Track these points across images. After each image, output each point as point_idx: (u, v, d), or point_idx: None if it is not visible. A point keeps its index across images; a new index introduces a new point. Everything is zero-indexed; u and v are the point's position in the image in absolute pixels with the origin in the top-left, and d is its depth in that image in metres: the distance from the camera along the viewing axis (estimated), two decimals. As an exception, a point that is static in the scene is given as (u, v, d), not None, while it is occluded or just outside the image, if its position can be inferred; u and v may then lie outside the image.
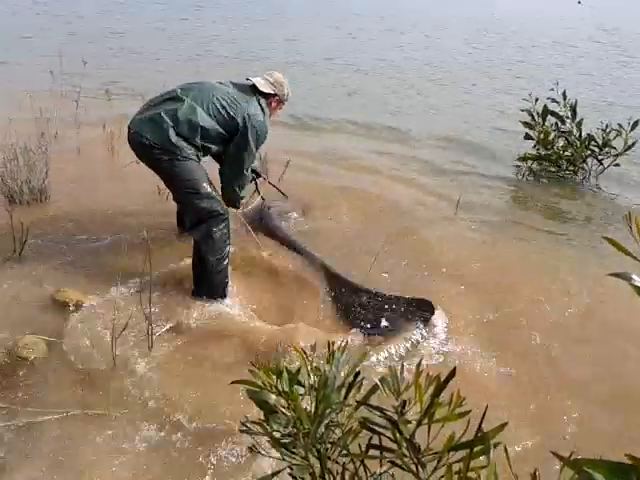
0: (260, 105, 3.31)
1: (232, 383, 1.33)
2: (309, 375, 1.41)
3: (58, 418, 2.32)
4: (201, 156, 3.25)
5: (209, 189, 3.17)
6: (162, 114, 3.06)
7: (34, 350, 2.67)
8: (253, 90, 3.36)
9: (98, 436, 2.27)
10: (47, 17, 13.41)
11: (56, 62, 8.09)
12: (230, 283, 3.28)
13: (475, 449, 1.18)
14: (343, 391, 1.39)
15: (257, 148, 3.33)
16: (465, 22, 19.65)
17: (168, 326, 2.91)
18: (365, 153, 6.12)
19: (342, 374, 1.41)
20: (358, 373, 1.42)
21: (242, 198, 3.55)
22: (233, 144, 3.23)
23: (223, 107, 3.17)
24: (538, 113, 5.65)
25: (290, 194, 4.37)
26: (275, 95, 3.44)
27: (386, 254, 3.69)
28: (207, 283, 3.20)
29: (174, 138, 3.04)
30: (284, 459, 1.31)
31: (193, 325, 2.98)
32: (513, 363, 2.89)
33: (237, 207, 3.57)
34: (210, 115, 3.13)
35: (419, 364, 1.27)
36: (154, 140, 3.04)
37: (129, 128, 3.18)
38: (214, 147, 3.27)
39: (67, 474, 2.10)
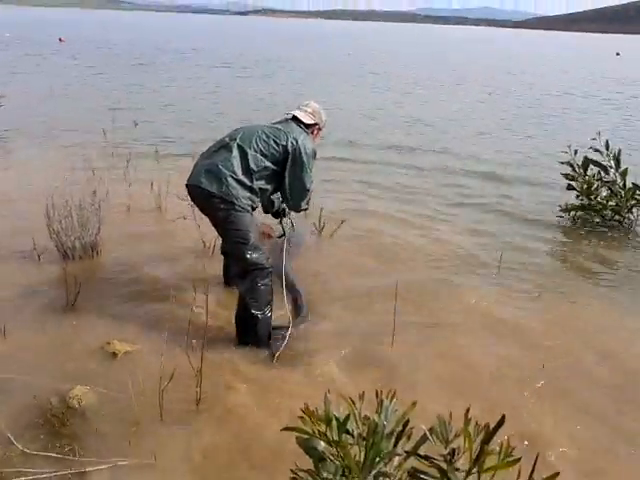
0: (304, 131, 3.52)
1: (282, 430, 1.34)
2: (357, 424, 1.42)
3: (106, 468, 2.35)
4: (257, 202, 3.40)
5: (257, 242, 3.29)
6: (219, 165, 3.23)
7: (84, 400, 2.72)
8: (296, 122, 3.57)
9: (145, 486, 2.29)
10: (102, 84, 14.16)
11: (109, 124, 8.57)
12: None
13: (528, 499, 1.16)
14: (392, 440, 1.39)
15: (311, 167, 3.45)
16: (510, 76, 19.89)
17: (216, 380, 2.94)
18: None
19: (391, 423, 1.41)
20: (407, 422, 1.42)
21: (300, 210, 3.71)
22: (289, 169, 3.36)
23: (269, 139, 3.34)
24: (578, 164, 5.64)
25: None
26: (316, 124, 3.66)
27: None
28: (252, 334, 3.26)
29: (233, 187, 3.20)
30: (333, 508, 1.31)
31: (240, 378, 3.01)
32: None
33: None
34: (258, 153, 3.30)
35: (467, 411, 1.27)
36: (214, 190, 3.19)
37: (188, 182, 3.35)
38: (269, 187, 3.41)
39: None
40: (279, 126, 3.49)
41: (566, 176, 5.77)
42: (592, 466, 2.53)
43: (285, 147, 3.35)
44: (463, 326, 3.68)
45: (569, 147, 5.61)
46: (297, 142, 3.37)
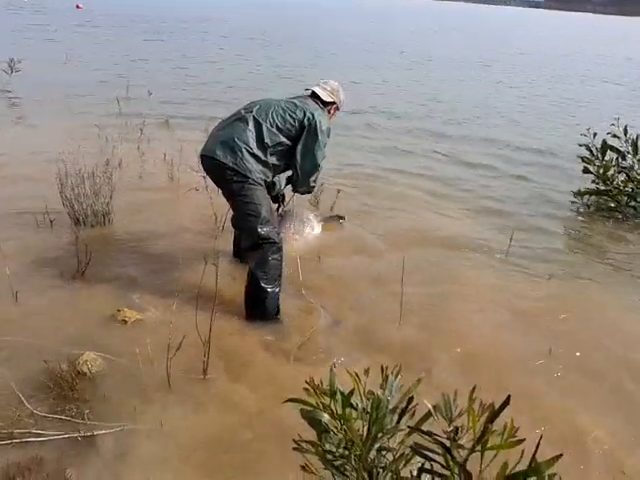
0: (320, 107, 3.50)
1: (286, 401, 1.36)
2: (362, 398, 1.43)
3: (114, 432, 2.39)
4: (270, 177, 3.40)
5: (269, 217, 3.29)
6: (234, 137, 3.21)
7: (93, 366, 2.77)
8: (313, 98, 3.56)
9: (150, 449, 2.33)
10: (116, 55, 14.09)
11: (123, 93, 8.55)
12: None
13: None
14: (396, 416, 1.40)
15: (325, 144, 3.43)
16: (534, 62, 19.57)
17: (223, 350, 2.97)
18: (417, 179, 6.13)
19: (395, 399, 1.42)
20: (411, 399, 1.42)
21: (308, 188, 3.68)
22: (302, 141, 3.34)
23: (285, 113, 3.33)
24: (597, 148, 5.56)
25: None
26: (333, 103, 3.64)
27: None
28: (260, 308, 3.29)
29: (247, 160, 3.20)
30: (334, 479, 1.33)
31: (247, 351, 3.04)
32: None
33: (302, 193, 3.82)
34: (274, 127, 3.29)
35: (472, 390, 1.28)
36: (228, 162, 3.18)
37: (202, 153, 3.33)
38: (281, 164, 3.42)
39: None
40: (296, 101, 3.46)
41: (583, 159, 5.70)
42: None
43: (301, 122, 3.33)
44: (472, 306, 3.68)
45: (588, 130, 5.53)
46: (313, 117, 3.35)
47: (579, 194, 5.70)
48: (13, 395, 2.54)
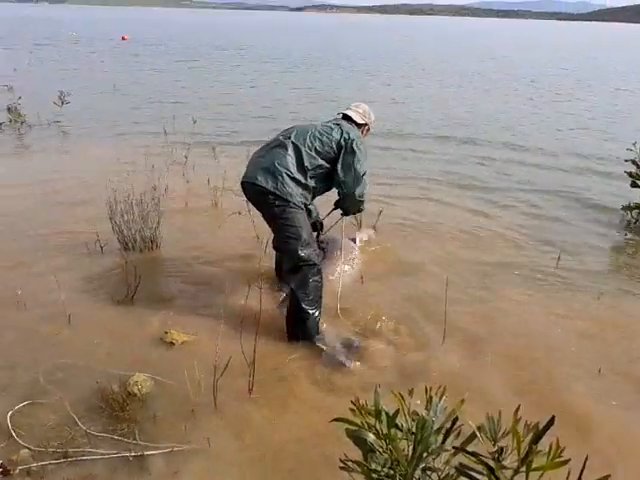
0: (354, 128, 3.62)
1: (332, 421, 1.38)
2: (406, 418, 1.44)
3: (164, 453, 2.45)
4: (310, 199, 3.49)
5: (309, 239, 3.36)
6: (274, 162, 3.31)
7: (143, 387, 2.85)
8: (347, 121, 3.68)
9: (199, 470, 2.39)
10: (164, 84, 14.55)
11: (168, 121, 8.83)
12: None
13: (577, 501, 1.16)
14: (440, 436, 1.41)
15: (364, 157, 3.47)
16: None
17: (268, 370, 3.02)
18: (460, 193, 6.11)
19: (440, 419, 1.43)
20: (456, 419, 1.43)
21: (358, 206, 3.68)
22: (341, 159, 3.40)
23: (322, 136, 3.43)
24: (645, 162, 5.46)
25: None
26: (366, 124, 3.78)
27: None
28: (301, 329, 3.33)
29: (287, 185, 3.29)
30: (381, 499, 1.35)
31: (291, 372, 3.08)
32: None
33: (349, 214, 3.87)
34: (313, 150, 3.38)
35: (517, 410, 1.28)
36: (269, 187, 3.28)
37: (244, 180, 3.43)
38: (322, 185, 3.50)
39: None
40: (331, 124, 3.57)
41: (630, 174, 5.59)
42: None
43: (338, 142, 3.42)
44: (518, 321, 3.64)
45: (634, 144, 5.43)
46: (349, 136, 3.45)
47: (627, 208, 5.57)
48: (67, 415, 2.64)
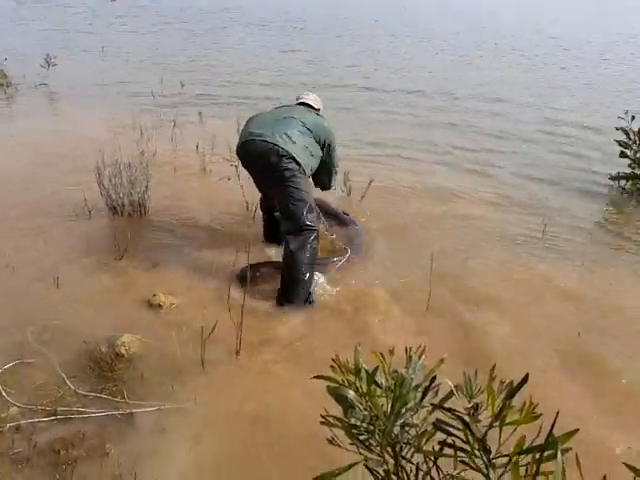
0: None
1: (313, 378, 1.42)
2: (386, 377, 1.48)
3: (151, 411, 2.50)
4: (310, 172, 3.69)
5: (314, 205, 3.52)
6: (290, 132, 3.49)
7: (131, 348, 2.89)
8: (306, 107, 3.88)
9: (186, 427, 2.44)
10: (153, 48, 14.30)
11: (157, 85, 8.71)
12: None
13: (545, 453, 1.21)
14: (419, 393, 1.45)
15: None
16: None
17: (256, 333, 3.07)
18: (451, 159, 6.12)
19: (419, 378, 1.47)
20: (434, 378, 1.47)
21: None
22: (332, 155, 3.82)
23: (315, 125, 3.64)
24: (634, 132, 5.46)
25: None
26: (318, 109, 3.97)
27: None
28: (295, 291, 3.37)
29: (302, 153, 3.48)
30: (360, 453, 1.40)
31: (279, 333, 3.13)
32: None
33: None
34: (311, 133, 3.60)
35: (492, 369, 1.32)
36: (289, 149, 3.41)
37: (254, 138, 3.49)
38: (315, 164, 3.70)
39: (161, 460, 2.28)
40: (311, 116, 3.72)
41: (619, 143, 5.60)
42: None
43: (321, 137, 3.67)
44: (494, 284, 3.70)
45: (626, 113, 5.43)
46: (328, 131, 3.73)
47: (614, 178, 5.60)
48: (56, 375, 2.68)
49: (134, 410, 2.49)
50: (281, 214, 3.63)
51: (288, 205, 3.47)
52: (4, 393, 2.53)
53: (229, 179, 4.61)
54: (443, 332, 3.21)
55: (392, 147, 6.70)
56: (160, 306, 3.27)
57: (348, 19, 21.93)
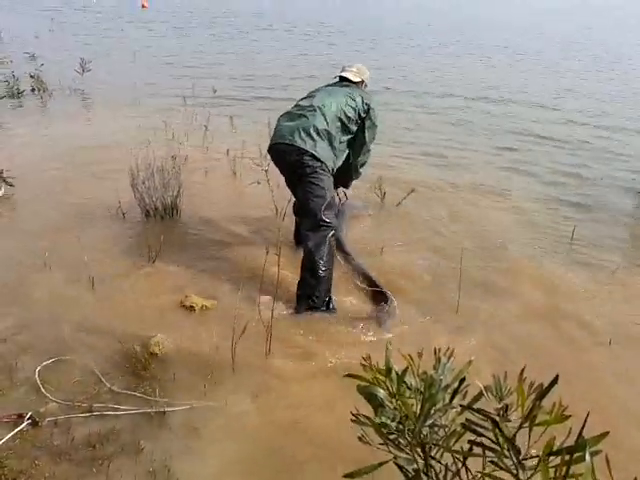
0: (365, 92, 3.81)
1: (345, 376, 1.45)
2: (416, 379, 1.50)
3: (183, 409, 2.56)
4: (337, 163, 3.67)
5: (332, 203, 3.54)
6: (311, 127, 3.46)
7: (164, 348, 2.96)
8: (348, 82, 3.84)
9: (217, 426, 2.49)
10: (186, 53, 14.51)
11: (188, 90, 8.86)
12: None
13: (575, 455, 1.22)
14: (448, 395, 1.47)
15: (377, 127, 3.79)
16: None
17: (284, 335, 3.11)
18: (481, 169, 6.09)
19: (448, 379, 1.49)
20: (463, 379, 1.49)
21: (360, 175, 4.10)
22: (363, 129, 3.70)
23: (348, 105, 3.61)
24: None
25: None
26: (362, 81, 3.92)
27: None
28: (315, 290, 3.38)
29: (323, 149, 3.47)
30: (390, 451, 1.42)
31: (309, 334, 3.17)
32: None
33: (348, 187, 4.28)
34: (343, 118, 3.58)
35: (522, 371, 1.33)
36: (308, 148, 3.43)
37: (277, 142, 3.54)
38: (345, 150, 3.73)
39: (194, 457, 2.33)
40: (348, 89, 3.70)
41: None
42: None
43: (360, 110, 3.62)
44: (530, 295, 3.68)
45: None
46: (369, 107, 3.65)
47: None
48: (92, 373, 2.76)
49: (167, 408, 2.55)
50: (301, 211, 3.68)
51: (307, 202, 3.51)
52: (43, 389, 2.62)
53: (259, 183, 4.67)
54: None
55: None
56: (192, 307, 3.33)
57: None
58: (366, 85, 3.99)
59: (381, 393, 1.40)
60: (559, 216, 5.04)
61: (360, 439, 1.44)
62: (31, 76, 9.21)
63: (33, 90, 9.16)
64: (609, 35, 22.97)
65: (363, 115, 3.65)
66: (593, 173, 6.29)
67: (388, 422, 1.42)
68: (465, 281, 3.56)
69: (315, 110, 3.53)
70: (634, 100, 10.59)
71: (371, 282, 3.65)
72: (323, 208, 3.43)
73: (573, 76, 13.21)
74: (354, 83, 3.84)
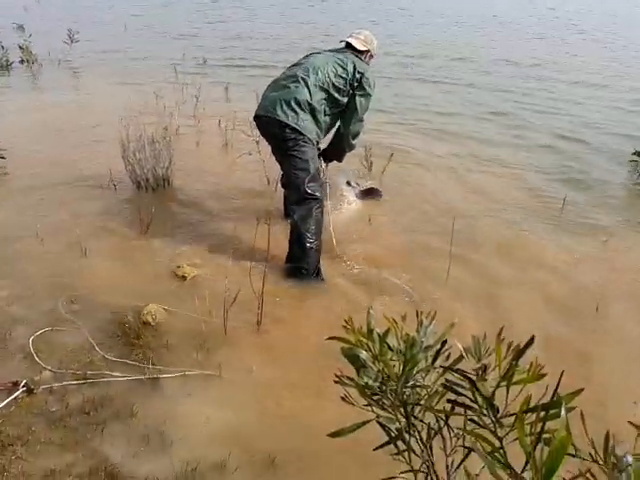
0: (362, 60, 3.65)
1: (327, 339, 1.48)
2: (398, 341, 1.54)
3: (176, 376, 2.61)
4: (321, 135, 3.58)
5: (316, 174, 3.46)
6: (293, 98, 3.37)
7: (156, 317, 2.99)
8: (350, 49, 3.70)
9: (209, 392, 2.55)
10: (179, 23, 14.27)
11: (179, 60, 8.75)
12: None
13: (550, 412, 1.26)
14: (430, 356, 1.51)
15: (372, 96, 3.63)
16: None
17: (276, 303, 3.15)
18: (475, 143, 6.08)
19: (430, 341, 1.53)
20: (445, 341, 1.53)
21: (354, 147, 3.88)
22: (354, 98, 3.55)
23: (336, 70, 3.48)
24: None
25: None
26: (368, 50, 3.76)
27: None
28: (304, 261, 3.42)
29: (304, 120, 3.38)
30: (372, 410, 1.46)
31: (298, 303, 3.22)
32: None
33: (341, 160, 4.01)
34: (330, 86, 3.46)
35: (500, 330, 1.37)
36: (289, 121, 3.35)
37: (260, 113, 3.49)
38: (332, 123, 3.62)
39: (186, 421, 2.38)
40: (341, 57, 3.57)
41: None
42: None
43: (352, 80, 3.50)
44: (519, 265, 3.72)
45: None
46: (362, 75, 3.52)
47: (638, 154, 5.51)
48: (86, 341, 2.80)
49: (160, 375, 2.59)
50: (286, 185, 3.67)
51: (290, 175, 3.50)
52: (37, 357, 2.65)
53: (250, 154, 4.67)
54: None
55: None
56: (184, 277, 3.36)
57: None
58: (372, 56, 3.82)
59: (363, 354, 1.44)
60: (551, 185, 5.06)
61: (343, 399, 1.48)
62: (20, 47, 9.09)
63: (22, 61, 9.06)
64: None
65: (355, 84, 3.51)
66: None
67: (370, 382, 1.46)
68: (456, 247, 3.59)
69: (298, 81, 3.42)
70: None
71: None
72: (307, 180, 3.40)
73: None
74: (358, 51, 3.70)
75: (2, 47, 8.79)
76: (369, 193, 4.55)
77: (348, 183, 4.57)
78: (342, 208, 4.29)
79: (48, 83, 8.24)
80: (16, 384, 2.46)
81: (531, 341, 1.33)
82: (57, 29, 11.06)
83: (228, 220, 4.07)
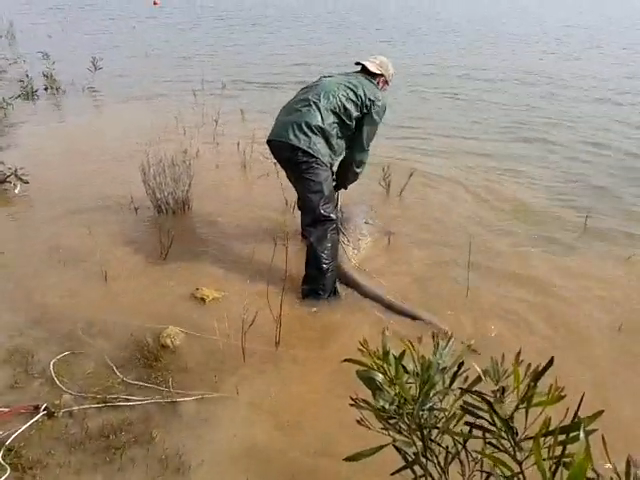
0: (375, 86, 3.63)
1: (342, 361, 1.47)
2: (415, 363, 1.52)
3: (195, 399, 2.60)
4: (335, 158, 3.57)
5: (330, 196, 3.47)
6: (305, 121, 3.36)
7: (175, 340, 3.00)
8: (363, 73, 3.70)
9: (228, 415, 2.54)
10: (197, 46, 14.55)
11: (198, 85, 8.89)
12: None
13: (570, 434, 1.23)
14: (447, 378, 1.48)
15: (378, 125, 3.64)
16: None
17: (293, 325, 3.14)
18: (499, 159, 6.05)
19: (446, 362, 1.51)
20: (462, 363, 1.50)
21: (358, 175, 3.86)
22: (361, 127, 3.55)
23: (348, 97, 3.47)
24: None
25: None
26: (382, 75, 3.74)
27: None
28: (320, 283, 3.42)
29: (316, 143, 3.36)
30: (389, 434, 1.44)
31: (316, 326, 3.21)
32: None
33: (346, 187, 3.97)
34: (340, 109, 3.44)
35: (518, 353, 1.34)
36: (301, 145, 3.34)
37: (273, 138, 3.50)
38: (346, 145, 3.60)
39: (205, 445, 2.38)
40: (354, 81, 3.56)
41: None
42: None
43: (362, 105, 3.49)
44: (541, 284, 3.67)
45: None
46: (373, 102, 3.51)
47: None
48: (105, 365, 2.82)
49: (179, 399, 2.59)
50: (301, 207, 3.68)
51: (305, 197, 3.50)
52: (57, 381, 2.67)
53: (268, 176, 4.70)
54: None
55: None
56: (203, 300, 3.38)
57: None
58: (386, 82, 3.80)
59: (379, 377, 1.42)
60: (572, 200, 5.01)
61: (359, 422, 1.46)
62: (44, 75, 9.30)
63: (46, 89, 9.25)
64: None
65: (365, 111, 3.50)
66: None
67: (387, 406, 1.44)
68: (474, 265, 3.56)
69: (310, 104, 3.42)
70: None
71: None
72: (322, 202, 3.40)
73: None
74: (371, 74, 3.69)
75: (27, 75, 9.01)
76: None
77: (366, 222, 4.40)
78: (361, 248, 4.09)
79: (71, 109, 8.41)
80: (37, 407, 2.48)
81: (550, 363, 1.30)
82: (81, 56, 11.32)
83: (246, 242, 4.08)
